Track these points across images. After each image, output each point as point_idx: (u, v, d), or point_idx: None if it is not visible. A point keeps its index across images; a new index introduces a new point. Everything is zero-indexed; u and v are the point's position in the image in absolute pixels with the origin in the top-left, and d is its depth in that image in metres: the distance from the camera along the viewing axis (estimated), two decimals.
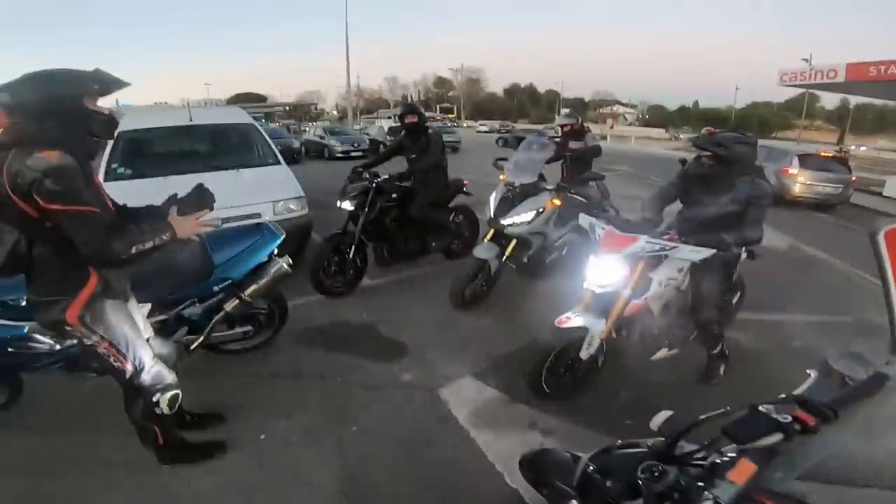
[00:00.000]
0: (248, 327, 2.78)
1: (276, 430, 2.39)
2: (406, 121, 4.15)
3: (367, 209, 3.75)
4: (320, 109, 79.57)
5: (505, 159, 3.88)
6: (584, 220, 2.56)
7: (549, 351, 2.43)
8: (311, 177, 12.43)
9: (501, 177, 3.73)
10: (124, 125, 4.77)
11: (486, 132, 39.83)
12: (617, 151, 22.02)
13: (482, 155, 18.20)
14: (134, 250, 1.57)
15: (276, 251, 2.56)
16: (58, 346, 2.07)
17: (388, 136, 19.11)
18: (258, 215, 3.83)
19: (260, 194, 4.02)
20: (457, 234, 4.63)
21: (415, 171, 4.03)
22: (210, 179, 4.33)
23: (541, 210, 3.45)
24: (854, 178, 9.66)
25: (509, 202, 3.52)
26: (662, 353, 2.68)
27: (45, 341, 2.04)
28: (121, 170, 4.19)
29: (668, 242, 2.24)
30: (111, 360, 1.77)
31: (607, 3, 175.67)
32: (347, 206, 3.77)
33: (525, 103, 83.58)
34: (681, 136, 44.01)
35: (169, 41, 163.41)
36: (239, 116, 5.38)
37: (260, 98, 69.89)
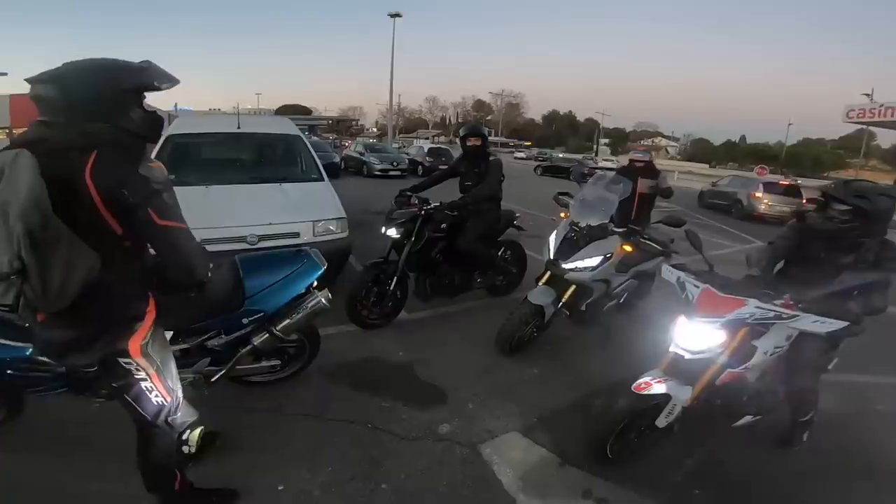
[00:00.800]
0: (276, 361, 2.53)
1: (297, 481, 2.11)
2: (468, 143, 3.85)
3: (413, 238, 3.47)
4: (361, 125, 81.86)
5: (567, 194, 3.51)
6: (669, 273, 2.19)
7: (621, 417, 2.13)
8: (350, 194, 12.53)
9: (563, 214, 3.38)
10: (174, 128, 4.76)
11: (523, 159, 39.64)
12: None
13: (523, 184, 17.98)
14: (210, 273, 1.49)
15: (315, 283, 2.31)
16: (63, 370, 1.85)
17: (427, 158, 19.14)
18: (296, 234, 3.65)
19: (301, 212, 3.83)
20: (504, 271, 4.29)
21: (468, 200, 3.71)
22: (252, 193, 4.30)
23: (608, 256, 3.06)
24: (804, 201, 12.10)
25: (572, 244, 3.14)
26: (747, 419, 2.36)
27: (49, 364, 1.83)
28: None
29: (783, 310, 1.84)
30: (152, 394, 1.54)
31: (653, 36, 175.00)
32: (393, 233, 3.48)
33: (563, 131, 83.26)
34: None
35: (224, 46, 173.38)
36: (286, 127, 5.29)
37: (305, 111, 72.34)
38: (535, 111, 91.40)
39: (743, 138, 76.06)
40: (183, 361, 2.10)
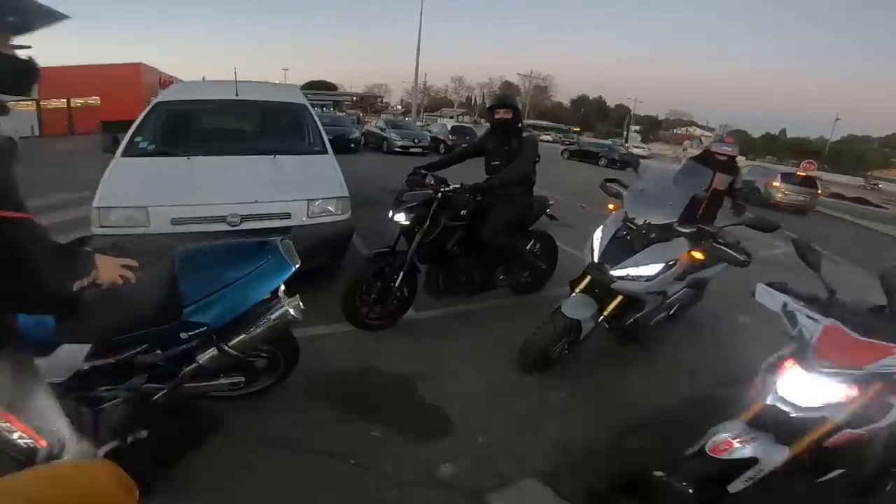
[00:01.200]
0: (239, 378, 2.01)
1: None
2: (496, 115, 3.16)
3: (426, 226, 2.88)
4: (385, 103, 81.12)
5: (616, 181, 2.80)
6: (769, 296, 1.57)
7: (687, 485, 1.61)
8: (367, 169, 12.04)
9: (612, 206, 2.72)
10: (165, 95, 4.25)
11: (549, 141, 38.49)
12: None
13: (549, 164, 17.12)
14: (75, 287, 1.08)
15: (282, 287, 1.77)
16: None
17: (450, 136, 18.39)
18: (287, 215, 3.10)
19: (294, 189, 3.27)
20: (532, 267, 3.67)
21: (495, 183, 3.06)
22: (240, 165, 3.55)
23: (671, 263, 2.39)
24: (819, 192, 13.44)
25: (623, 245, 2.48)
26: (836, 472, 1.81)
27: None
28: (143, 144, 3.61)
29: None
30: (14, 436, 1.13)
31: (688, 24, 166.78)
32: (402, 219, 2.88)
33: (592, 116, 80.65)
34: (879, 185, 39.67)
35: (253, 21, 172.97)
36: (290, 94, 4.70)
37: (331, 87, 71.80)
38: (563, 95, 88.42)
39: (783, 131, 72.56)
40: (114, 376, 1.61)
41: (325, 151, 3.98)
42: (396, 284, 2.94)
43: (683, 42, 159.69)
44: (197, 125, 4.20)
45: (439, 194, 2.87)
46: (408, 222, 2.87)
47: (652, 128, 74.32)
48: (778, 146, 63.76)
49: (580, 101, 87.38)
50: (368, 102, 58.87)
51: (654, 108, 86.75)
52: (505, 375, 2.75)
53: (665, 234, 2.38)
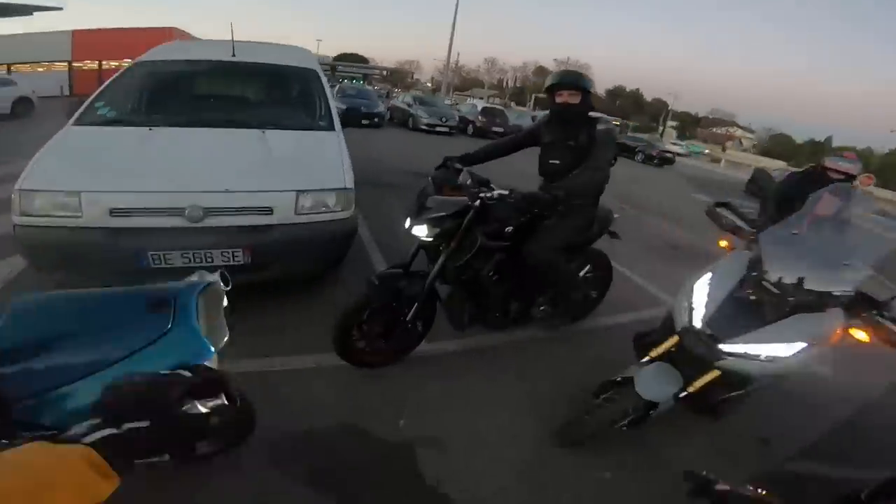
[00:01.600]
0: (162, 457, 1.33)
1: None
2: (558, 99, 2.31)
3: (457, 243, 2.12)
4: (416, 79, 79.92)
5: (727, 205, 1.99)
6: None
7: None
8: (389, 147, 11.24)
9: (724, 243, 1.93)
10: (151, 54, 3.53)
11: None
12: (734, 182, 18.79)
13: None
14: None
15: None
16: None
17: (480, 117, 17.41)
18: (268, 210, 2.38)
19: (282, 176, 2.53)
20: (582, 297, 2.89)
21: (561, 196, 2.16)
22: (216, 140, 2.53)
23: (813, 343, 1.58)
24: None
25: (747, 310, 1.68)
26: None
27: None
28: (104, 111, 2.90)
29: None
30: None
31: (735, 20, 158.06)
32: (423, 232, 2.09)
33: (627, 108, 77.63)
34: None
35: None
36: (299, 58, 3.89)
37: (362, 59, 70.85)
38: (598, 85, 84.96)
39: (829, 139, 68.63)
40: None
41: (331, 127, 3.18)
42: (409, 317, 2.20)
43: (731, 40, 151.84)
44: (179, 90, 3.39)
45: (478, 202, 2.07)
46: (431, 238, 2.10)
47: (690, 125, 71.13)
48: (823, 154, 60.61)
49: (616, 92, 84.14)
50: (399, 77, 57.99)
51: (694, 105, 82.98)
52: (532, 446, 2.05)
53: (817, 299, 1.58)
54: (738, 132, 72.98)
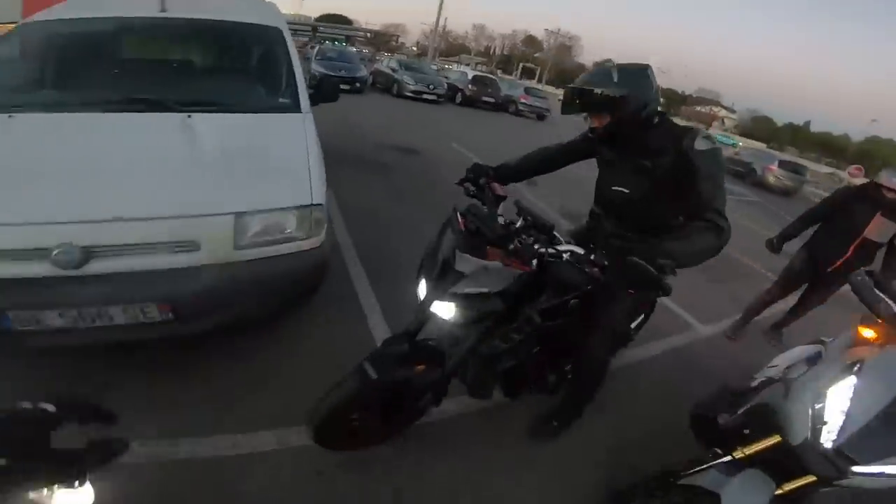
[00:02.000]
0: None
1: None
2: (591, 125, 1.54)
3: (493, 323, 1.41)
4: (401, 43, 76.82)
5: (870, 273, 1.36)
6: None
7: None
8: (369, 117, 10.00)
9: (870, 334, 1.32)
10: (50, 12, 2.53)
11: None
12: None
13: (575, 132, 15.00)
14: None
15: None
16: None
17: (470, 86, 16.25)
18: (194, 245, 1.56)
19: (212, 188, 1.66)
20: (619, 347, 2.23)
21: (669, 264, 1.19)
22: (113, 133, 1.33)
23: None
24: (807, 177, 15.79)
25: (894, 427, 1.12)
26: None
27: None
28: None
29: None
30: None
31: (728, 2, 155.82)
32: (448, 313, 1.35)
33: None
34: None
35: None
36: (257, 13, 2.86)
37: (346, 20, 67.17)
38: (586, 57, 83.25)
39: (808, 124, 69.55)
40: None
41: (295, 108, 2.29)
42: (420, 404, 1.57)
43: (719, 21, 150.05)
44: (78, 61, 2.36)
45: (543, 258, 1.33)
46: (462, 320, 1.36)
47: (675, 103, 70.64)
48: (801, 138, 61.51)
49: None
50: (383, 40, 55.29)
51: (682, 83, 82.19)
52: None
53: None
54: (722, 112, 72.98)
